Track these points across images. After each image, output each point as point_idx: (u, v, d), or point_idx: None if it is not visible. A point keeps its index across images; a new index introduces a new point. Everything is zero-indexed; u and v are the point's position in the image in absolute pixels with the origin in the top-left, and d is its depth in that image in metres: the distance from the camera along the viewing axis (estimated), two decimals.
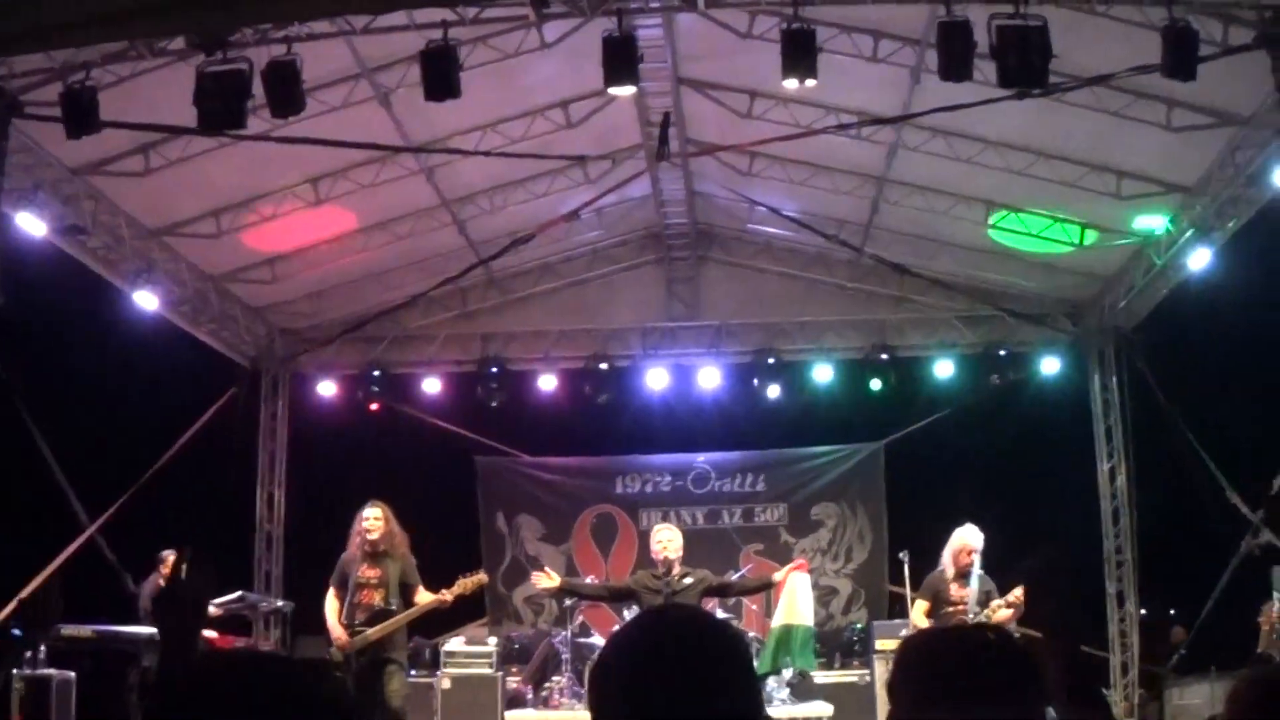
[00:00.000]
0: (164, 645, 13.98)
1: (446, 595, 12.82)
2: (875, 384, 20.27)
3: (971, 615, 12.70)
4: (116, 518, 16.92)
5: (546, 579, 13.78)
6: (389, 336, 20.14)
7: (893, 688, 3.31)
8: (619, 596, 14.45)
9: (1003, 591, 12.91)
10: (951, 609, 12.82)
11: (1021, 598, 12.76)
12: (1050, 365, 20.29)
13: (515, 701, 17.67)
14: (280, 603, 17.91)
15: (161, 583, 15.13)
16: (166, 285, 16.95)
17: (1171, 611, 22.62)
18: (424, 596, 12.77)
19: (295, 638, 17.41)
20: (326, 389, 20.46)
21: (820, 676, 18.46)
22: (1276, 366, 16.87)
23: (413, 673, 16.12)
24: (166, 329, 17.53)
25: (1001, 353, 20.04)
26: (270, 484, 20.36)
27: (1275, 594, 15.29)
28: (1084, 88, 13.48)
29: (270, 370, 20.46)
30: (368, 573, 12.77)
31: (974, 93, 12.69)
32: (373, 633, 12.50)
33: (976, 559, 12.94)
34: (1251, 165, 14.77)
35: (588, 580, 18.10)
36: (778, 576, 14.61)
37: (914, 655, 3.35)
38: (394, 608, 12.63)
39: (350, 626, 12.63)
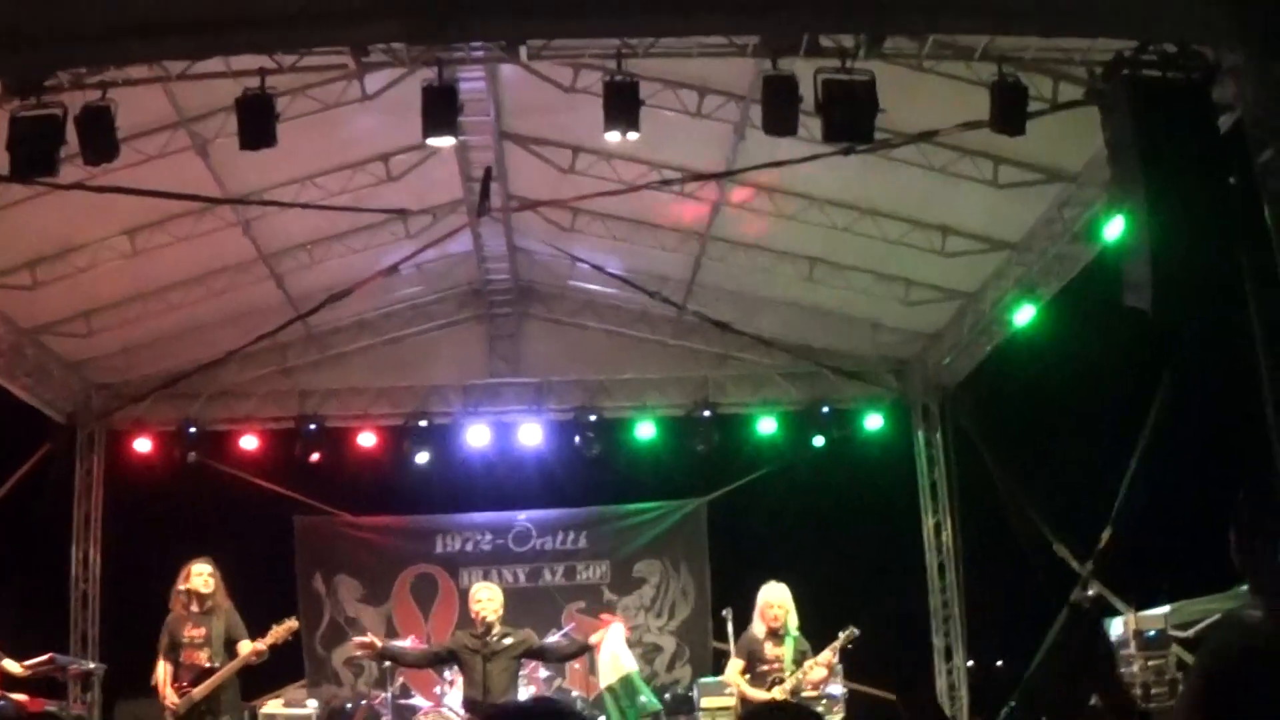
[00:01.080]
0: None
1: (260, 645, 12.85)
2: (698, 442, 20.30)
3: (788, 674, 12.81)
4: None
5: (364, 649, 13.73)
6: (206, 393, 20.08)
7: None
8: (438, 660, 14.46)
9: (817, 650, 13.04)
10: (766, 667, 13.04)
11: (832, 660, 13.02)
12: (874, 422, 20.81)
13: None
14: (92, 664, 17.61)
15: None
16: None
17: (999, 663, 23.00)
18: (245, 646, 12.79)
19: (114, 700, 17.11)
20: (143, 445, 20.29)
21: None
22: (1100, 422, 17.27)
23: None
24: None
25: (825, 410, 20.53)
26: (86, 542, 20.11)
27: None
28: (910, 144, 13.77)
29: (86, 426, 20.29)
30: (192, 632, 12.82)
31: (799, 149, 12.90)
32: (197, 693, 12.53)
33: (790, 617, 13.08)
34: (1078, 222, 15.35)
35: (407, 642, 18.00)
36: (594, 639, 14.67)
37: None
38: (218, 665, 12.67)
39: (179, 688, 12.62)
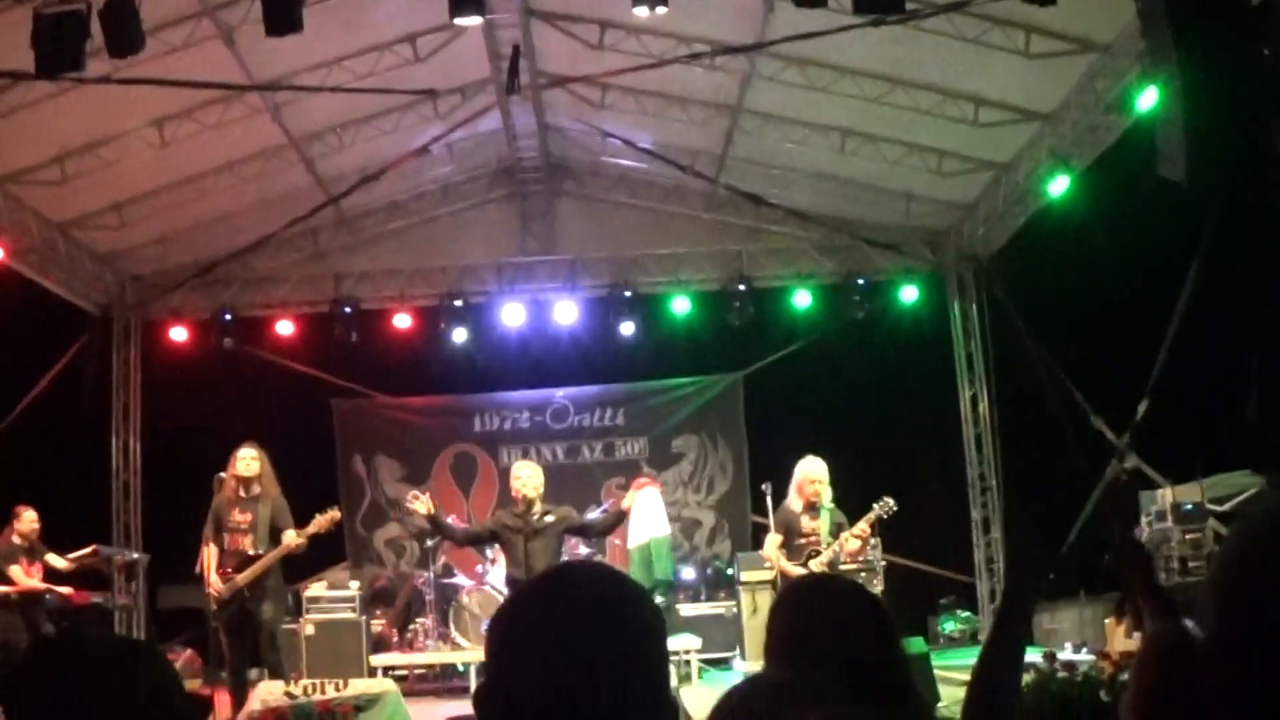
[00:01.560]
0: None
1: (301, 536, 12.90)
2: (733, 316, 20.27)
3: (824, 547, 12.84)
4: None
5: (420, 503, 13.76)
6: (240, 279, 20.11)
7: (770, 642, 3.57)
8: (481, 540, 14.53)
9: (854, 522, 13.08)
10: (803, 540, 12.99)
11: (868, 532, 13.07)
12: (909, 294, 20.73)
13: (380, 645, 17.97)
14: (135, 555, 17.82)
15: (15, 539, 14.95)
16: (12, 234, 16.83)
17: None
18: (289, 536, 12.84)
19: (157, 588, 17.33)
20: (178, 335, 20.37)
21: (686, 609, 18.81)
22: (1137, 293, 17.15)
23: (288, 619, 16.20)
24: (13, 280, 17.22)
25: (860, 282, 20.34)
26: (125, 433, 20.35)
27: (1144, 518, 15.63)
28: (941, 14, 13.64)
29: (121, 318, 20.38)
30: (238, 518, 12.87)
31: (829, 20, 12.82)
32: (241, 578, 12.60)
33: (824, 490, 13.06)
34: (1111, 92, 15.17)
35: (449, 520, 18.13)
36: (626, 503, 14.71)
37: (780, 612, 3.63)
38: (262, 552, 12.72)
39: (223, 573, 12.69)
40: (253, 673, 12.88)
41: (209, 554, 12.85)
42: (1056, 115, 16.39)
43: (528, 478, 13.49)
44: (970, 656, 17.19)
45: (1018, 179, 17.87)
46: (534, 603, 2.37)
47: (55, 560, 15.28)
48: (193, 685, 14.51)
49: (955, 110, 16.52)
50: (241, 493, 12.87)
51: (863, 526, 13.06)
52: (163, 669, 2.52)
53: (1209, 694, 2.86)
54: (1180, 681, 3.06)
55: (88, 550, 15.93)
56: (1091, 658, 11.86)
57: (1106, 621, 15.89)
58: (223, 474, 13.07)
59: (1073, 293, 17.85)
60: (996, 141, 17.44)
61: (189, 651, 17.19)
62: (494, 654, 2.36)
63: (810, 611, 3.73)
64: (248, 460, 12.92)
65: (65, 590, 15.14)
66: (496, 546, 14.25)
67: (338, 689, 10.50)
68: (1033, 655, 14.35)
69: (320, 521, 13.01)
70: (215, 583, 12.65)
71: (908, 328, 20.58)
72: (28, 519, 15.22)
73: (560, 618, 2.30)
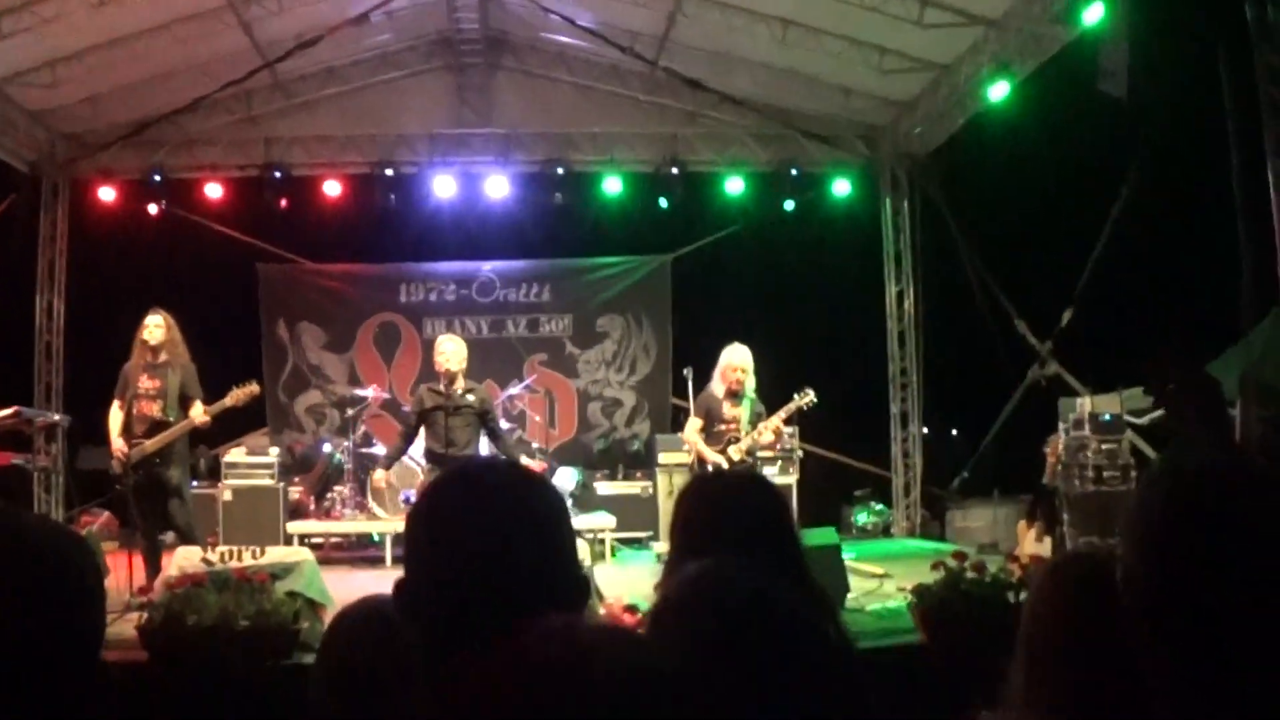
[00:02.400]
0: None
1: (208, 413, 12.86)
2: (665, 199, 20.31)
3: (744, 434, 13.00)
4: None
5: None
6: (171, 141, 19.79)
7: (673, 530, 3.75)
8: (413, 434, 14.39)
9: (773, 412, 13.25)
10: (724, 427, 13.15)
11: (783, 422, 13.27)
12: (842, 187, 20.76)
13: (297, 512, 18.03)
14: (57, 416, 17.75)
15: None
16: None
17: (954, 432, 23.38)
18: (197, 410, 12.78)
19: (78, 450, 17.31)
20: (107, 194, 20.08)
21: (603, 488, 19.04)
22: (1067, 202, 17.32)
23: (194, 484, 16.22)
24: None
25: (794, 172, 20.32)
26: (49, 293, 20.19)
27: (1061, 425, 15.85)
28: None
29: (50, 176, 20.11)
30: (147, 383, 12.82)
31: None
32: (149, 445, 12.61)
33: (748, 379, 13.20)
34: (1057, 3, 15.21)
35: (369, 391, 18.20)
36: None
37: (684, 500, 3.80)
38: (171, 419, 12.72)
39: (130, 438, 12.72)
40: (167, 537, 12.95)
41: (116, 418, 12.86)
42: (1002, 22, 16.43)
43: (451, 352, 13.56)
44: (882, 549, 17.64)
45: (958, 81, 17.93)
46: (446, 495, 2.48)
47: None
48: (109, 548, 14.58)
49: (900, 9, 16.48)
50: (149, 358, 12.84)
51: (781, 417, 13.27)
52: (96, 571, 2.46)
53: (1125, 632, 3.03)
54: (1095, 608, 3.22)
55: (9, 412, 15.78)
56: (1000, 558, 12.09)
57: (1019, 524, 16.22)
58: (137, 337, 13.04)
59: (1005, 197, 18.05)
60: (940, 43, 17.45)
61: (106, 514, 17.27)
62: (411, 548, 2.45)
63: (712, 502, 3.90)
64: (152, 327, 12.84)
65: None
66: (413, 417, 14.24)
67: (254, 556, 10.56)
68: (943, 548, 14.68)
69: (237, 395, 12.99)
70: (120, 446, 12.68)
71: (839, 221, 20.67)
72: None
73: (472, 506, 2.41)
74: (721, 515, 3.73)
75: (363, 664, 3.24)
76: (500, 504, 2.42)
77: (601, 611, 9.93)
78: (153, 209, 19.91)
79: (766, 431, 13.15)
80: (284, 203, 20.00)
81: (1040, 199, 17.41)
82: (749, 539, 3.35)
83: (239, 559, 10.39)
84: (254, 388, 13.24)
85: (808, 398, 13.35)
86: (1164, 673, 2.21)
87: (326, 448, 19.46)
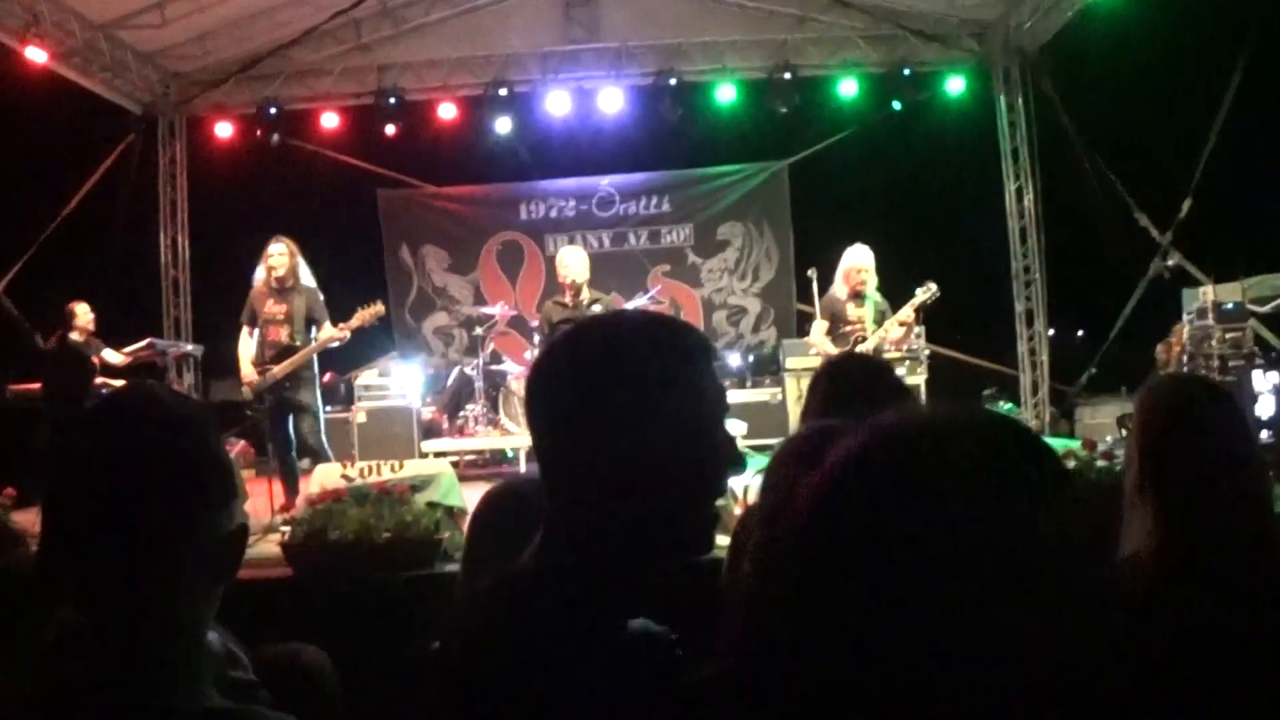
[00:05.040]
0: (52, 402, 14.29)
1: (344, 329, 13.06)
2: (779, 104, 20.28)
3: (869, 332, 13.08)
4: (22, 275, 17.09)
5: None
6: (283, 73, 20.10)
7: (806, 410, 3.95)
8: None
9: (898, 310, 13.31)
10: (849, 328, 13.20)
11: (913, 318, 13.30)
12: (955, 85, 20.59)
13: (430, 431, 18.21)
14: (190, 347, 18.19)
15: (73, 335, 15.35)
16: (55, 37, 16.82)
17: (1080, 332, 23.27)
18: (327, 330, 13.06)
19: (209, 382, 17.68)
20: (223, 130, 20.46)
21: (732, 395, 18.88)
22: (1183, 91, 17.16)
23: (329, 409, 16.54)
24: (57, 83, 17.34)
25: (906, 73, 20.19)
26: (173, 229, 20.69)
27: (1185, 316, 15.77)
28: None
29: (166, 115, 20.52)
30: (274, 309, 13.06)
31: None
32: (278, 369, 12.86)
33: (870, 278, 13.26)
34: None
35: (496, 309, 18.34)
36: None
37: (816, 380, 4.00)
38: (298, 344, 12.96)
39: (260, 364, 13.00)
40: (304, 463, 13.25)
41: (245, 345, 13.17)
42: None
43: (574, 263, 13.78)
44: (988, 433, 17.51)
45: None
46: (561, 352, 2.38)
47: (111, 355, 15.65)
48: (246, 475, 14.91)
49: None
50: (274, 285, 13.07)
51: (908, 312, 13.31)
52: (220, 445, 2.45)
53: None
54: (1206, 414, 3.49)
55: (142, 344, 16.25)
56: None
57: None
58: (260, 265, 13.27)
59: (1119, 88, 17.88)
60: None
61: (242, 443, 17.67)
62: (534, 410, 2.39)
63: (845, 381, 4.10)
64: (275, 255, 13.05)
65: (120, 385, 15.42)
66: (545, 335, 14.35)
67: (393, 470, 10.80)
68: (1073, 444, 14.70)
69: (364, 315, 13.13)
70: (249, 373, 12.99)
71: (953, 119, 20.54)
72: (83, 314, 15.60)
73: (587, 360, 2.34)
74: (848, 394, 3.93)
75: (503, 532, 3.10)
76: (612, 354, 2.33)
77: (738, 511, 10.10)
78: (273, 140, 20.10)
79: (894, 325, 13.21)
80: (399, 128, 20.18)
81: (1155, 88, 17.25)
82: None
83: (378, 473, 10.65)
84: (379, 308, 13.36)
85: (931, 291, 13.36)
86: None
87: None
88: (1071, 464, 10.14)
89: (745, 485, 5.80)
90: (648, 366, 2.28)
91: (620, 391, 2.25)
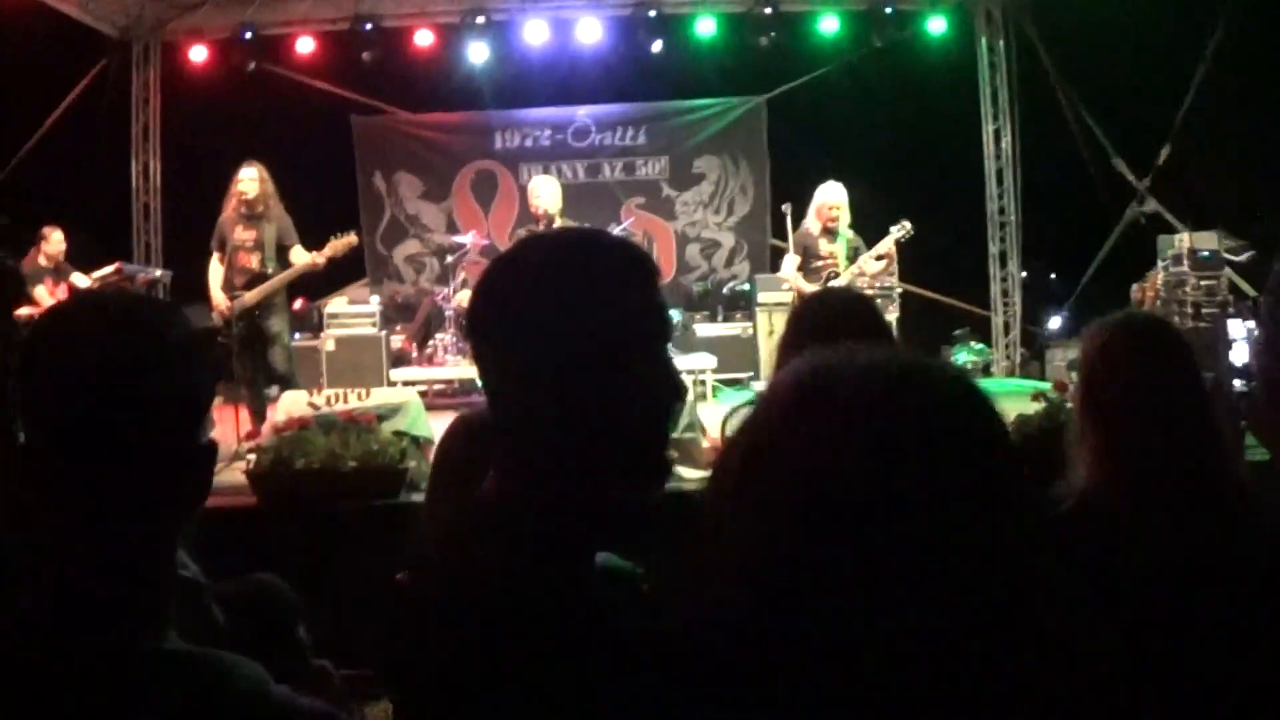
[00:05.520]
0: None
1: (319, 257, 13.04)
2: (759, 39, 20.19)
3: (842, 268, 13.12)
4: None
5: None
6: None
7: (783, 345, 3.96)
8: None
9: (870, 246, 13.36)
10: (821, 263, 13.29)
11: (892, 250, 13.33)
12: (937, 25, 20.51)
13: (400, 360, 18.27)
14: (159, 272, 18.12)
15: (42, 260, 15.28)
16: None
17: (1053, 275, 23.31)
18: (299, 256, 13.05)
19: (180, 307, 17.59)
20: (198, 54, 20.23)
21: (703, 329, 19.12)
22: (1165, 37, 17.12)
23: (297, 335, 16.53)
24: (32, 6, 17.08)
25: (888, 11, 20.07)
26: (145, 154, 20.57)
27: (1160, 262, 15.81)
28: None
29: (140, 39, 20.30)
30: (243, 235, 13.04)
31: None
32: (249, 296, 12.86)
33: (843, 215, 13.34)
34: None
35: (468, 238, 18.26)
36: None
37: (796, 317, 4.00)
38: (270, 271, 12.96)
39: (230, 291, 13.00)
40: (273, 390, 13.19)
41: (215, 271, 13.17)
42: None
43: (546, 193, 13.77)
44: (982, 388, 17.66)
45: None
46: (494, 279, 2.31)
47: (80, 280, 15.60)
48: (215, 402, 14.85)
49: None
50: (245, 210, 13.04)
51: (887, 244, 13.38)
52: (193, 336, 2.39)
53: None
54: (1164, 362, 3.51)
55: (111, 269, 16.19)
56: None
57: None
58: (230, 190, 13.24)
59: (1101, 34, 17.82)
60: None
61: None
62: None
63: (823, 315, 4.11)
64: (246, 180, 13.02)
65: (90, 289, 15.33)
66: None
67: (360, 399, 10.80)
68: (1043, 385, 14.75)
69: (336, 245, 13.13)
70: (220, 300, 13.00)
71: (934, 59, 20.48)
72: (55, 239, 15.54)
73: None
74: (831, 328, 3.93)
75: (465, 464, 3.15)
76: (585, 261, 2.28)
77: (705, 445, 10.13)
78: (249, 68, 19.92)
79: (870, 260, 13.27)
80: (375, 55, 19.97)
81: (1137, 33, 17.19)
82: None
83: (345, 401, 10.65)
84: (352, 238, 13.38)
85: (905, 229, 13.44)
86: None
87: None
88: (1041, 405, 10.19)
89: (724, 419, 5.78)
90: (577, 286, 2.21)
91: (546, 312, 2.19)
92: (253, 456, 9.65)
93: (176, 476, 2.29)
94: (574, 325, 2.16)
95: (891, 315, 16.49)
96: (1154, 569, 3.22)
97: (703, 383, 16.93)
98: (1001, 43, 20.39)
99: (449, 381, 18.11)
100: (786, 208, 14.51)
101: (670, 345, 2.32)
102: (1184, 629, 3.13)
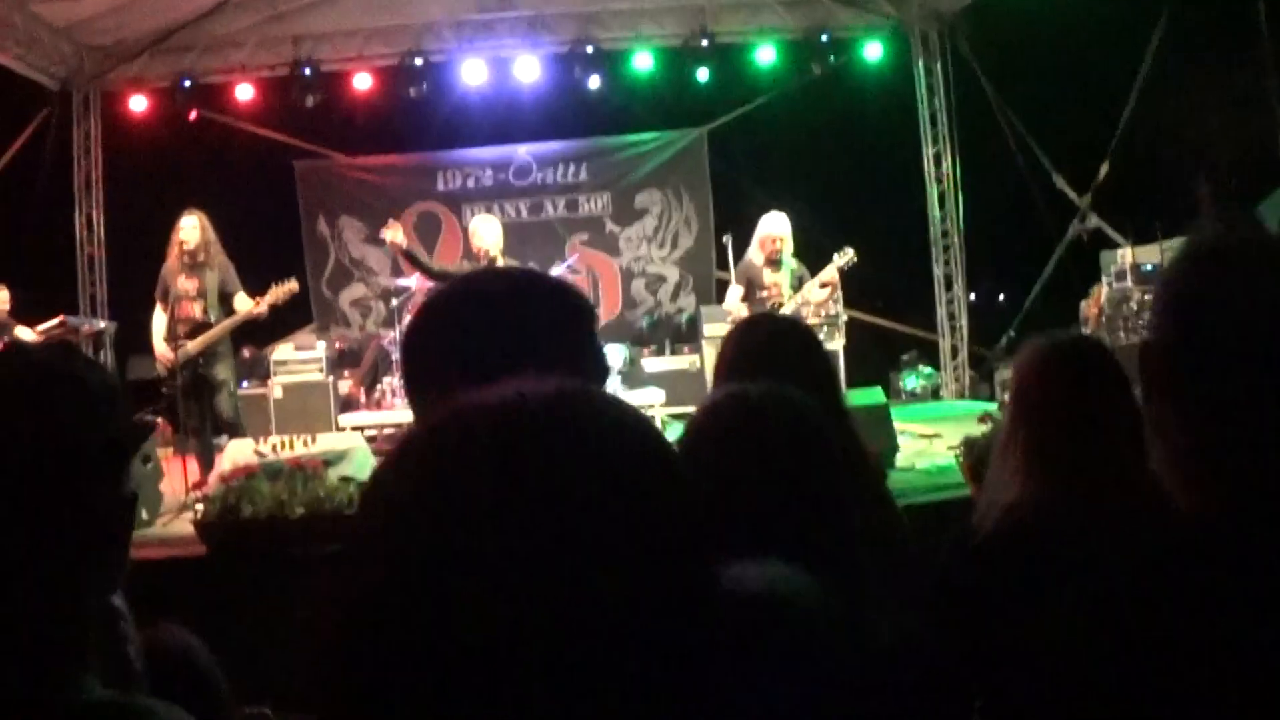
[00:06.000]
0: None
1: (260, 305, 13.09)
2: (696, 72, 20.35)
3: (786, 298, 13.19)
4: None
5: (391, 230, 13.99)
6: (198, 45, 19.84)
7: (716, 371, 4.01)
8: (448, 278, 14.51)
9: (814, 274, 13.44)
10: (765, 293, 13.38)
11: (836, 278, 13.41)
12: (873, 50, 20.66)
13: (348, 405, 18.21)
14: (103, 323, 18.01)
15: None
16: None
17: (1000, 296, 23.44)
18: (243, 304, 13.09)
19: (124, 358, 17.56)
20: (138, 104, 20.20)
21: (650, 364, 19.15)
22: (1101, 54, 17.26)
23: (245, 383, 16.50)
24: None
25: (824, 38, 20.21)
26: (88, 205, 20.47)
27: (1104, 278, 15.91)
28: None
29: (81, 90, 20.25)
30: (186, 284, 13.06)
31: None
32: (192, 345, 12.89)
33: (785, 246, 13.41)
34: None
35: (412, 280, 18.17)
36: None
37: (728, 342, 4.05)
38: (213, 319, 13.00)
39: (174, 340, 12.96)
40: (222, 439, 13.16)
41: (159, 321, 13.17)
42: None
43: (487, 233, 13.68)
44: (932, 412, 17.75)
45: None
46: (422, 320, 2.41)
47: (24, 332, 15.45)
48: (163, 453, 14.81)
49: None
50: (186, 260, 13.06)
51: (830, 272, 13.45)
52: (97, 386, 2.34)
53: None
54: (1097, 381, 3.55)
55: (55, 322, 16.04)
56: None
57: None
58: (172, 239, 13.23)
59: (1037, 53, 17.96)
60: None
61: (159, 420, 17.57)
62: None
63: (756, 340, 4.15)
64: (187, 229, 13.05)
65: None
66: None
67: (306, 445, 10.81)
68: (990, 406, 14.80)
69: (277, 292, 13.19)
70: (163, 351, 13.00)
71: (872, 85, 20.64)
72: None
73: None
74: (765, 352, 3.97)
75: None
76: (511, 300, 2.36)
77: None
78: (190, 116, 19.92)
79: (814, 288, 13.34)
80: (315, 99, 20.01)
81: (1074, 51, 17.32)
82: (792, 377, 3.46)
83: (290, 448, 10.65)
84: (292, 285, 13.41)
85: (848, 256, 13.53)
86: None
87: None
88: (988, 426, 10.26)
89: None
90: (505, 324, 2.26)
91: (476, 351, 2.23)
92: (200, 506, 9.63)
93: (96, 526, 2.26)
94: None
95: (838, 343, 16.63)
96: (1087, 584, 3.24)
97: (652, 418, 16.93)
98: (939, 65, 20.59)
99: (398, 425, 18.07)
100: (728, 239, 14.61)
101: (621, 381, 2.38)
102: (1122, 646, 3.15)
